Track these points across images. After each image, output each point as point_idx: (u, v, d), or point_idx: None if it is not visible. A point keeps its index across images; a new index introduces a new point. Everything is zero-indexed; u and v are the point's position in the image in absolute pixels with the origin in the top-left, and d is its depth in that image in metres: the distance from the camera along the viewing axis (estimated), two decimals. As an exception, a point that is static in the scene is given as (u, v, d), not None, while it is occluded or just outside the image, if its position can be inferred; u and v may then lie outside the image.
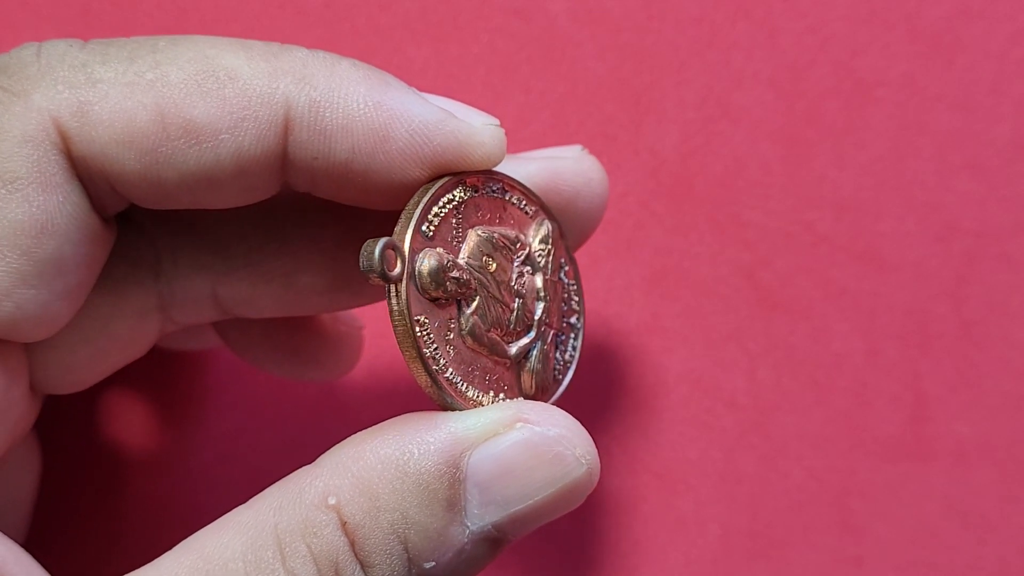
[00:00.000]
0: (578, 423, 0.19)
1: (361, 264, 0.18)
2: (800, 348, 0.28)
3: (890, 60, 0.28)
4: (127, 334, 0.23)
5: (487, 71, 0.29)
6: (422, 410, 0.20)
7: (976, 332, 0.27)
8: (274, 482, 0.19)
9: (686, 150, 0.29)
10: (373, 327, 0.29)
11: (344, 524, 0.18)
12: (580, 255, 0.29)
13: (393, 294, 0.19)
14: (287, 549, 0.18)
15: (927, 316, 0.28)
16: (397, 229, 0.19)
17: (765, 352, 0.28)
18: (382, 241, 0.18)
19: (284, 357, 0.26)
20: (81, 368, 0.23)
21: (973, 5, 0.28)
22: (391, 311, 0.19)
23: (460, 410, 0.19)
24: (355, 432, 0.19)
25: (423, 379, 0.19)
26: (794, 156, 0.28)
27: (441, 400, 0.19)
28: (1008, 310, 0.27)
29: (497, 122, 0.21)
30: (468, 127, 0.20)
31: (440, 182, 0.20)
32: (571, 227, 0.23)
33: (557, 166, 0.23)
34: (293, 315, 0.25)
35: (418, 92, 0.20)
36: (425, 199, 0.20)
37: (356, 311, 0.27)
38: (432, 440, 0.18)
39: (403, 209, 0.20)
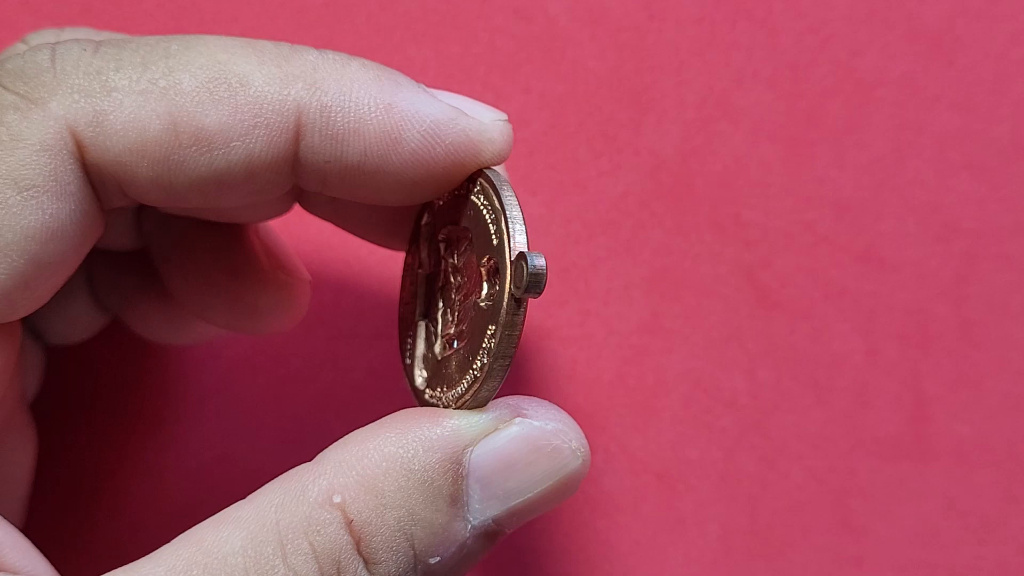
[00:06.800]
0: (569, 416, 0.20)
1: (534, 284, 0.18)
2: (800, 348, 0.28)
3: (890, 60, 0.28)
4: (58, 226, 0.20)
5: (487, 71, 0.29)
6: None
7: (976, 332, 0.27)
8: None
9: (686, 150, 0.29)
10: (372, 327, 0.29)
11: (350, 522, 0.18)
12: (581, 255, 0.29)
13: (524, 306, 0.18)
14: (289, 546, 0.18)
15: (927, 316, 0.28)
16: (519, 238, 0.19)
17: (765, 352, 0.28)
18: (542, 255, 0.18)
19: (224, 305, 0.25)
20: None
21: (973, 5, 0.28)
22: (517, 321, 0.18)
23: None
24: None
25: (495, 383, 0.19)
26: (794, 156, 0.28)
27: (485, 400, 0.19)
28: (1008, 310, 0.27)
29: (505, 117, 0.21)
30: (479, 125, 0.20)
31: (507, 183, 0.20)
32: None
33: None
34: (198, 207, 0.23)
35: (428, 89, 0.20)
36: (514, 196, 0.19)
37: (308, 270, 0.27)
38: (435, 437, 0.19)
39: (503, 213, 0.19)
